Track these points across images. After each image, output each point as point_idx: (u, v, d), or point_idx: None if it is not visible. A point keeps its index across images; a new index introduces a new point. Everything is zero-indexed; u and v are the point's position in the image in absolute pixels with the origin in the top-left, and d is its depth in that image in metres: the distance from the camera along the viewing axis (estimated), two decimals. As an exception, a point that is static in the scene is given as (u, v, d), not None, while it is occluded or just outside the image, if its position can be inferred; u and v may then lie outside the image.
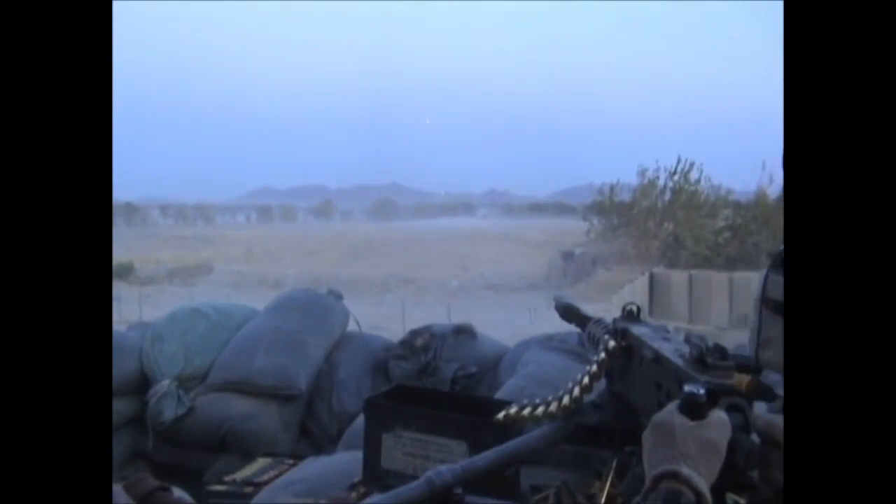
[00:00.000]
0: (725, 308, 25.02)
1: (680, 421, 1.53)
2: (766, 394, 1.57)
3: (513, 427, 2.44)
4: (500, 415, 2.36)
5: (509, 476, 2.55)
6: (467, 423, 2.52)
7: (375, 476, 2.60)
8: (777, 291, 1.04)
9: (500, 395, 3.30)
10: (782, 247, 1.09)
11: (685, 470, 1.43)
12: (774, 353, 1.04)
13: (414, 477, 2.35)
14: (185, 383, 4.12)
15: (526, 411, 2.35)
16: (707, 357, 1.79)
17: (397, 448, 2.54)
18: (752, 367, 1.83)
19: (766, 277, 1.08)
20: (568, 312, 2.84)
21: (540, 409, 2.31)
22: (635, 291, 25.53)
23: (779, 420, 1.59)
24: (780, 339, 1.02)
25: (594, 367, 2.32)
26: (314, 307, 4.44)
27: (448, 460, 2.29)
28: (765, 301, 1.07)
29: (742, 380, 1.64)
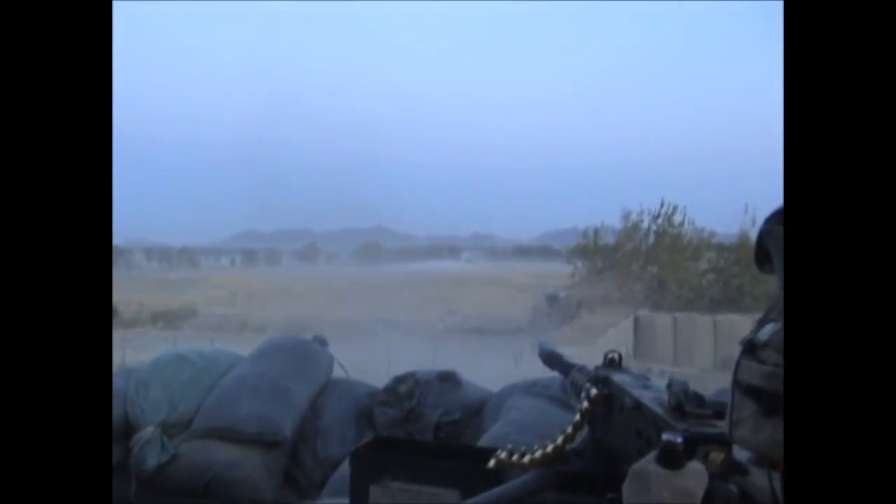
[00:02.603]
0: (710, 350, 25.02)
1: (655, 470, 1.56)
2: (738, 469, 1.60)
3: (504, 473, 2.44)
4: (491, 462, 2.37)
5: None
6: (458, 470, 2.50)
7: None
8: (749, 376, 1.09)
9: (483, 440, 3.31)
10: (753, 334, 1.13)
11: None
12: (745, 432, 1.09)
13: None
14: (169, 430, 4.11)
15: (514, 458, 2.37)
16: (685, 405, 1.82)
17: (386, 499, 2.51)
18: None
19: (738, 363, 1.13)
20: (551, 359, 2.86)
21: (527, 458, 2.34)
22: (620, 334, 25.53)
23: (756, 472, 1.63)
24: (751, 420, 1.07)
25: (577, 417, 2.35)
26: (299, 353, 4.44)
27: None
28: (737, 384, 1.12)
29: (717, 458, 1.68)
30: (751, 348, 1.10)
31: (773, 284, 1.16)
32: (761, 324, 1.13)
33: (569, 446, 2.35)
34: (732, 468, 1.59)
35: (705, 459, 1.69)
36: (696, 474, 1.58)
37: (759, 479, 1.63)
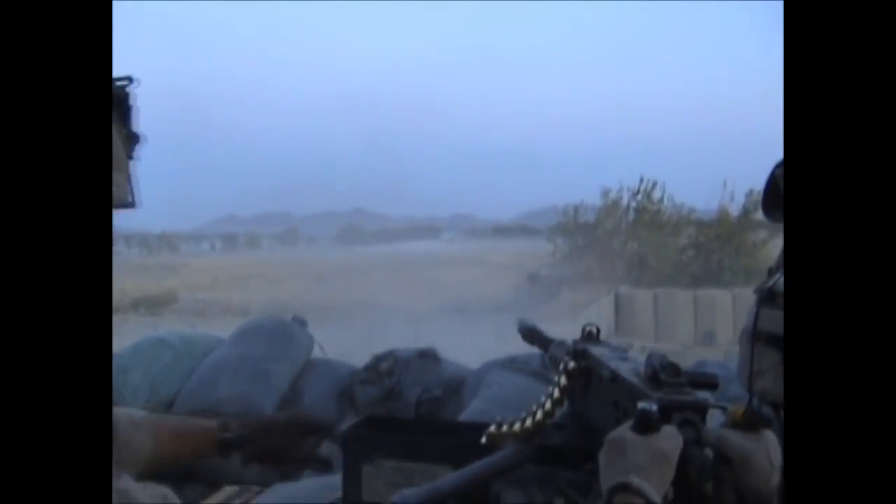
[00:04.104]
0: (690, 325, 25.17)
1: (631, 436, 1.60)
2: (760, 422, 1.63)
3: (496, 447, 2.46)
4: (483, 438, 2.39)
5: (493, 497, 2.57)
6: (452, 446, 2.49)
7: None
8: (770, 325, 1.08)
9: (464, 416, 3.33)
10: (771, 282, 1.12)
11: (636, 480, 1.50)
12: (767, 382, 1.08)
13: None
14: (150, 412, 4.11)
15: (504, 428, 2.40)
16: (661, 375, 1.85)
17: (379, 479, 2.51)
18: (708, 383, 1.90)
19: (757, 312, 1.11)
20: (530, 335, 2.89)
21: (517, 426, 2.37)
22: (601, 311, 25.64)
23: (729, 435, 1.66)
24: (773, 370, 1.06)
25: (555, 391, 2.38)
26: (279, 334, 4.44)
27: None
28: (757, 335, 1.10)
29: (737, 411, 1.71)
30: (770, 297, 1.09)
31: (754, 257, 1.16)
32: (774, 272, 1.12)
33: (548, 420, 2.38)
34: (752, 421, 1.62)
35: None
36: (670, 436, 1.62)
37: (739, 441, 1.66)
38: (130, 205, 1.74)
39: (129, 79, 1.81)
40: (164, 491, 1.66)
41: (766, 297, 1.09)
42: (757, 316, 1.09)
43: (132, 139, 1.77)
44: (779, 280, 1.08)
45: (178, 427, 2.11)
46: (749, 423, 1.60)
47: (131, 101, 1.80)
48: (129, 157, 1.75)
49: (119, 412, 1.93)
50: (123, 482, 1.55)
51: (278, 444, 2.21)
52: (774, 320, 1.06)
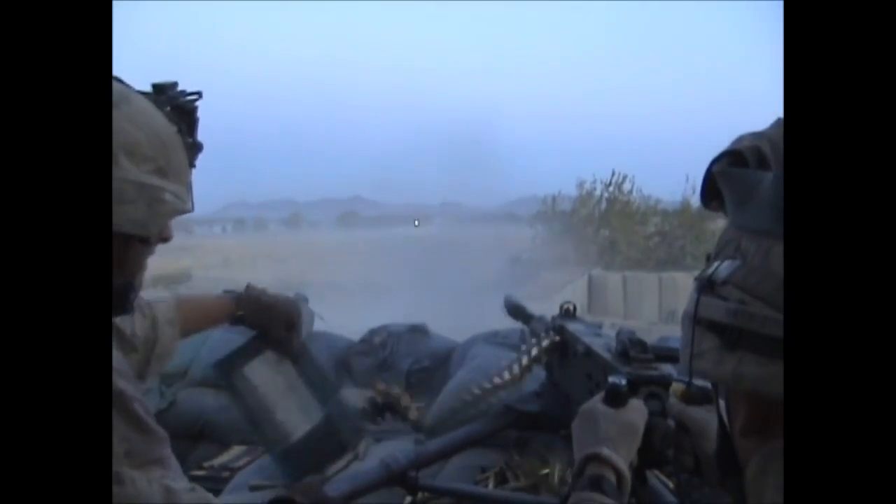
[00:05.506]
0: (655, 305, 25.34)
1: (603, 409, 1.62)
2: (699, 399, 1.66)
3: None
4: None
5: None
6: None
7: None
8: (711, 312, 1.06)
9: (450, 386, 3.34)
10: (710, 271, 1.10)
11: (605, 451, 1.52)
12: (706, 364, 1.06)
13: None
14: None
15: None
16: (630, 350, 1.87)
17: None
18: (671, 357, 1.91)
19: (697, 300, 1.10)
20: (515, 311, 2.91)
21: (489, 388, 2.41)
22: (575, 291, 25.65)
23: (689, 407, 1.68)
24: (712, 351, 1.04)
25: (524, 359, 2.42)
26: (283, 310, 4.43)
27: None
28: (697, 320, 1.09)
29: (678, 389, 1.75)
30: (709, 286, 1.08)
31: (712, 244, 1.14)
32: (712, 262, 1.10)
33: (518, 382, 2.42)
34: (693, 398, 1.65)
35: (649, 395, 1.73)
36: (637, 409, 1.64)
37: (697, 413, 1.68)
38: (188, 211, 1.76)
39: (199, 94, 1.81)
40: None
41: (705, 286, 1.08)
42: (697, 303, 1.08)
43: (196, 148, 1.77)
44: (717, 268, 1.07)
45: (199, 306, 2.37)
46: (690, 399, 1.64)
47: (198, 115, 1.79)
48: (192, 165, 1.75)
49: (156, 312, 2.13)
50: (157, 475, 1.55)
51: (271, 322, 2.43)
52: (712, 307, 1.05)
